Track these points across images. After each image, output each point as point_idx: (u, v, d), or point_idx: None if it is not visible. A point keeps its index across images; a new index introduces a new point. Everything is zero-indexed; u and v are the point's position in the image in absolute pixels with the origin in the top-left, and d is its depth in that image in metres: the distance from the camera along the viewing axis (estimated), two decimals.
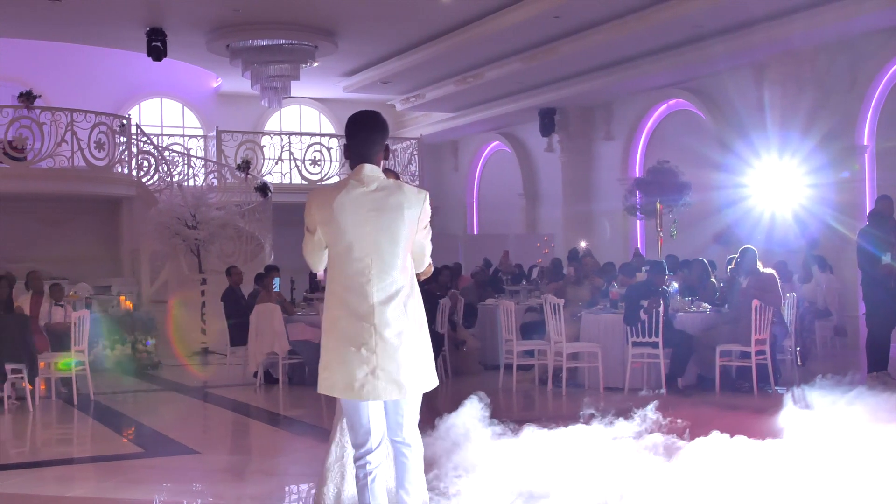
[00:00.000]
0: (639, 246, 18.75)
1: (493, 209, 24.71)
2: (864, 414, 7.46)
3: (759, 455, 6.50)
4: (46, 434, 9.68)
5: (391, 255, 4.23)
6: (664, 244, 13.69)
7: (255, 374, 12.04)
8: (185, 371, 13.83)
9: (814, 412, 7.76)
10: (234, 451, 8.59)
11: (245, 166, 19.52)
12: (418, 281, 4.45)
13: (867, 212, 12.32)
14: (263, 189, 18.75)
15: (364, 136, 4.33)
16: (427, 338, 4.36)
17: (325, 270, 4.46)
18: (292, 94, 19.33)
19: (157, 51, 16.76)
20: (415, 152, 22.90)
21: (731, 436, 6.78)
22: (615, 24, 15.47)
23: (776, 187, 15.34)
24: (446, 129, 23.64)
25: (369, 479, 4.33)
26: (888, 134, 14.72)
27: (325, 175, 21.49)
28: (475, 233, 24.90)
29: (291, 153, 21.64)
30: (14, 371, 10.26)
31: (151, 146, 19.08)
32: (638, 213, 14.38)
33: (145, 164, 18.70)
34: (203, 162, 20.49)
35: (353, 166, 4.35)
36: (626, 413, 7.58)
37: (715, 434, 6.80)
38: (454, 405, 6.95)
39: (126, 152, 18.15)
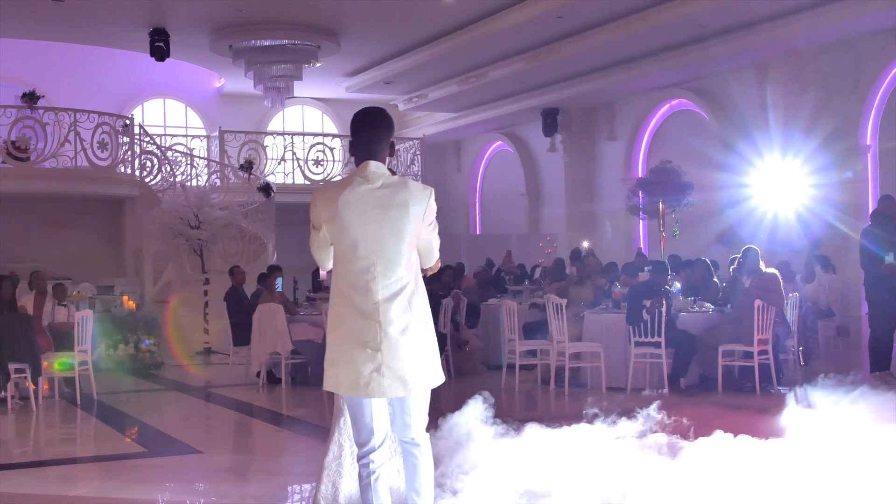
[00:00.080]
0: (641, 246, 18.75)
1: (495, 209, 24.72)
2: (867, 414, 7.45)
3: (761, 455, 6.49)
4: (49, 434, 9.68)
5: (396, 252, 4.20)
6: (667, 244, 13.70)
7: (258, 374, 12.06)
8: (188, 371, 13.84)
9: (816, 412, 7.74)
10: (237, 451, 8.60)
11: (248, 166, 19.54)
12: (424, 277, 4.43)
13: (870, 212, 12.32)
14: (266, 189, 18.77)
15: (369, 132, 4.31)
16: (432, 334, 4.34)
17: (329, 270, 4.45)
18: (295, 95, 19.36)
19: (160, 51, 16.78)
20: (417, 152, 22.90)
21: (735, 435, 6.78)
22: (618, 25, 15.47)
23: (779, 187, 15.34)
24: (449, 129, 23.65)
25: (373, 478, 4.30)
26: (891, 134, 14.71)
27: (328, 175, 21.49)
28: (478, 233, 24.90)
29: (294, 153, 21.66)
30: (17, 371, 10.28)
31: (154, 146, 19.10)
32: (641, 212, 14.40)
33: (148, 164, 18.72)
34: (206, 162, 20.51)
35: (358, 163, 4.32)
36: (628, 413, 7.57)
37: (717, 434, 6.79)
38: (457, 405, 6.95)
39: (129, 152, 18.17)
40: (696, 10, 14.15)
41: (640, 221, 18.58)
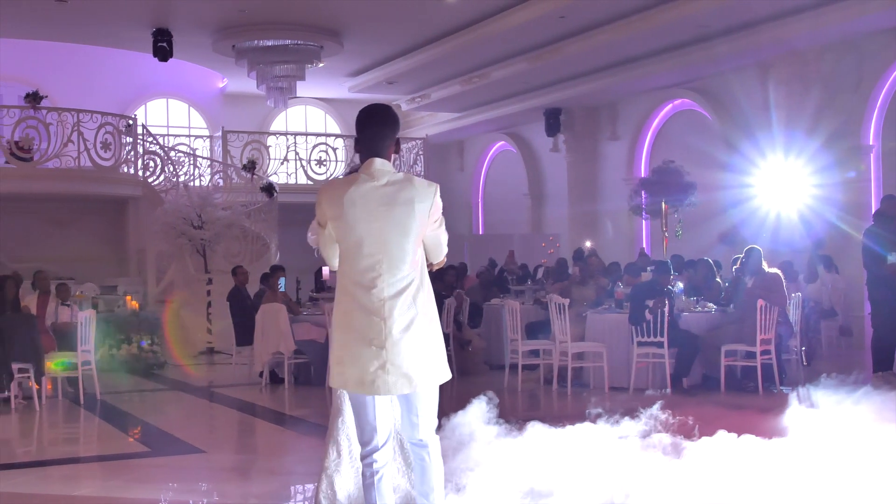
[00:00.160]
0: (644, 246, 18.75)
1: (498, 209, 24.72)
2: (870, 414, 7.45)
3: (764, 455, 6.50)
4: (53, 433, 9.71)
5: (402, 250, 4.18)
6: (669, 244, 13.70)
7: (261, 374, 12.08)
8: (192, 370, 13.85)
9: (819, 412, 7.74)
10: (240, 451, 8.61)
11: (251, 166, 19.57)
12: (429, 272, 4.40)
13: (872, 211, 12.31)
14: (269, 189, 18.78)
15: (375, 129, 4.28)
16: (438, 331, 4.31)
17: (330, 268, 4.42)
18: (298, 95, 19.39)
19: (163, 51, 16.80)
20: (420, 152, 22.91)
21: (738, 435, 6.78)
22: (620, 25, 15.47)
23: (782, 187, 15.33)
24: (452, 129, 23.64)
25: (376, 478, 4.28)
26: (894, 134, 14.70)
27: (331, 175, 21.49)
28: (481, 233, 24.91)
29: (297, 153, 21.67)
30: (21, 370, 10.29)
31: (157, 146, 19.12)
32: (643, 212, 14.39)
33: (151, 164, 18.74)
34: (209, 162, 20.53)
35: (363, 160, 4.30)
36: (631, 413, 7.58)
37: (720, 433, 6.80)
38: (460, 404, 6.96)
39: (132, 152, 18.19)
40: (698, 10, 14.14)
41: (643, 221, 18.57)
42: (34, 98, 16.73)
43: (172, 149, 19.92)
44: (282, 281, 12.88)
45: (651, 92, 18.83)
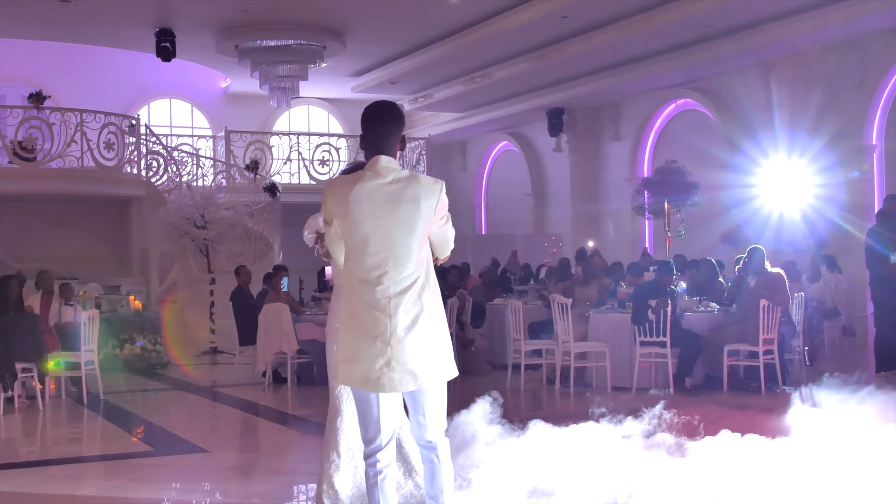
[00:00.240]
0: (647, 246, 18.74)
1: (501, 209, 24.72)
2: (873, 413, 7.45)
3: (767, 454, 6.50)
4: (56, 433, 9.73)
5: (407, 247, 4.16)
6: (672, 244, 13.69)
7: (264, 374, 12.08)
8: (194, 370, 13.85)
9: (822, 412, 7.75)
10: (243, 450, 8.61)
11: (254, 166, 19.58)
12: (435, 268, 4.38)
13: (875, 211, 12.32)
14: (272, 189, 18.80)
15: (380, 127, 4.26)
16: (444, 328, 4.28)
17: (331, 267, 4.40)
18: (301, 95, 19.39)
19: (166, 51, 16.82)
20: (423, 152, 22.91)
21: (742, 435, 6.78)
22: (623, 24, 15.47)
23: (784, 187, 15.32)
24: (454, 129, 23.66)
25: (380, 478, 4.25)
26: None
27: (334, 175, 21.49)
28: (483, 232, 24.91)
29: (300, 153, 21.67)
30: (24, 370, 10.31)
31: (160, 146, 19.13)
32: (646, 212, 14.38)
33: (154, 164, 18.75)
34: (212, 162, 20.56)
35: (368, 157, 4.28)
36: (634, 412, 7.59)
37: (723, 433, 6.80)
38: (463, 404, 6.97)
39: (135, 152, 18.20)
40: (701, 10, 14.14)
41: (646, 221, 18.58)
42: (38, 98, 16.74)
43: (175, 149, 19.93)
44: (285, 281, 12.89)
45: (654, 92, 18.83)
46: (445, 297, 11.95)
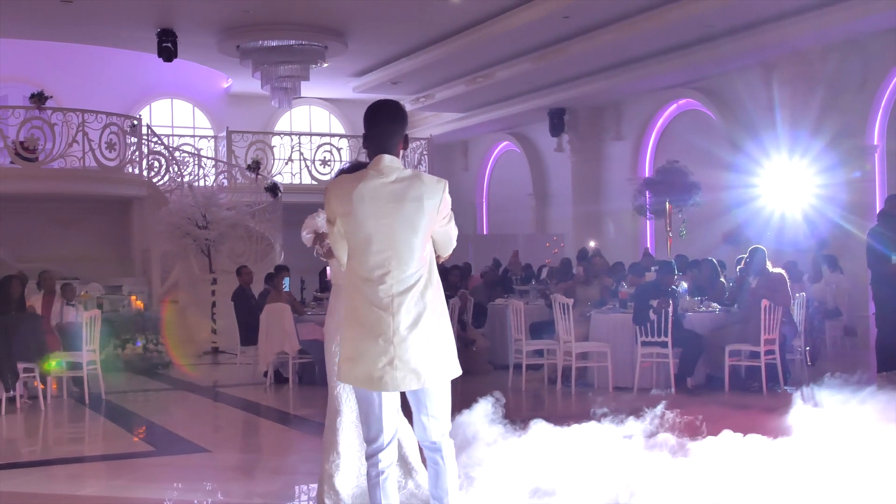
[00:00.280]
0: (648, 246, 18.74)
1: (502, 209, 24.72)
2: (874, 413, 7.45)
3: (769, 454, 6.50)
4: (58, 433, 9.73)
5: (410, 246, 4.15)
6: (674, 244, 13.68)
7: (266, 374, 12.09)
8: (196, 370, 13.86)
9: (823, 412, 7.74)
10: (245, 450, 8.62)
11: (255, 166, 19.59)
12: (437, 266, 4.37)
13: (877, 211, 12.31)
14: (273, 189, 18.81)
15: (383, 126, 4.25)
16: (447, 327, 4.28)
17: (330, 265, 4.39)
18: (302, 95, 19.38)
19: (167, 51, 16.82)
20: (424, 152, 22.91)
21: (743, 435, 6.78)
22: (625, 24, 15.47)
23: (786, 187, 15.32)
24: (456, 129, 23.65)
25: (381, 478, 4.25)
26: None
27: (335, 175, 21.47)
28: (485, 233, 24.91)
29: (301, 153, 21.68)
30: (26, 370, 10.32)
31: (162, 147, 19.14)
32: (647, 212, 14.37)
33: (156, 164, 18.76)
34: (213, 162, 20.57)
35: (371, 157, 4.28)
36: (635, 412, 7.59)
37: (725, 433, 6.80)
38: (464, 404, 6.97)
39: (137, 153, 18.21)
40: (702, 10, 14.13)
41: (647, 221, 18.58)
42: (39, 98, 16.76)
43: (177, 149, 19.95)
44: (286, 281, 12.89)
45: (655, 92, 18.83)
46: (447, 297, 11.93)
